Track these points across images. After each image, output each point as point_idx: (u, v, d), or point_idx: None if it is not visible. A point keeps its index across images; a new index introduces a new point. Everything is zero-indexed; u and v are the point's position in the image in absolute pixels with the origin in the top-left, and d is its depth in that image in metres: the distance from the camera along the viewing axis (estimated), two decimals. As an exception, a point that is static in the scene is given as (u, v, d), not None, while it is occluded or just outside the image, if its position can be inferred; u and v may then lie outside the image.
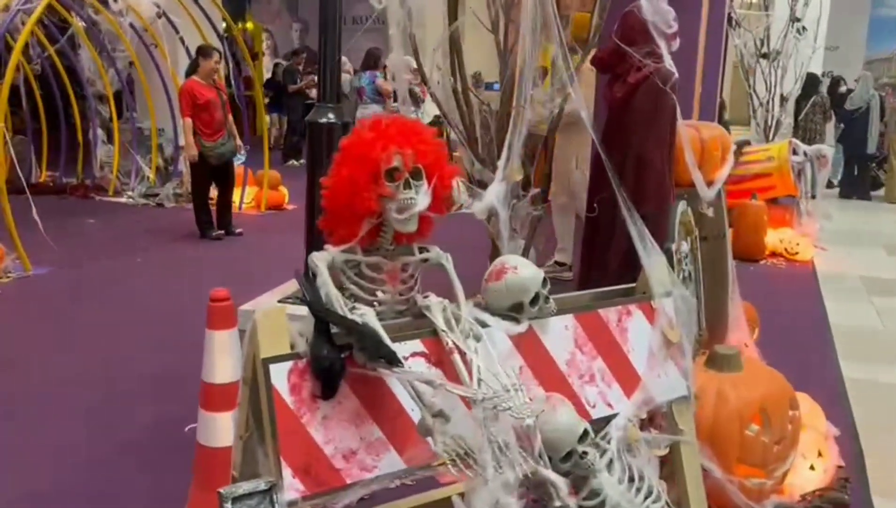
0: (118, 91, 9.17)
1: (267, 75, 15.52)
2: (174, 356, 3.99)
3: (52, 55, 8.69)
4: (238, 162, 7.41)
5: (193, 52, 8.22)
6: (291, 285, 2.99)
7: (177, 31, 8.26)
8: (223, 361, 2.27)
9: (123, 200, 8.67)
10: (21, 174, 6.80)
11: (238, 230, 7.16)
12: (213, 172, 6.94)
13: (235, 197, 8.48)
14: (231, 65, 9.04)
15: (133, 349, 4.17)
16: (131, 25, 8.27)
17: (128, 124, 9.18)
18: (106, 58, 8.87)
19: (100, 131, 9.17)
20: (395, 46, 2.93)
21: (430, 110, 8.88)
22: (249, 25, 17.13)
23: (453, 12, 2.71)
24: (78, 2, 8.05)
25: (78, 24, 8.46)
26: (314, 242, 2.68)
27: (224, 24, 9.16)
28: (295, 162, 11.99)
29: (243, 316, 2.48)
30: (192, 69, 6.96)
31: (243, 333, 1.94)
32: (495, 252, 2.58)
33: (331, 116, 2.69)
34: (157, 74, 8.66)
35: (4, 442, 3.13)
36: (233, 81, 8.74)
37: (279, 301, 2.72)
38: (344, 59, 12.51)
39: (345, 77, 11.76)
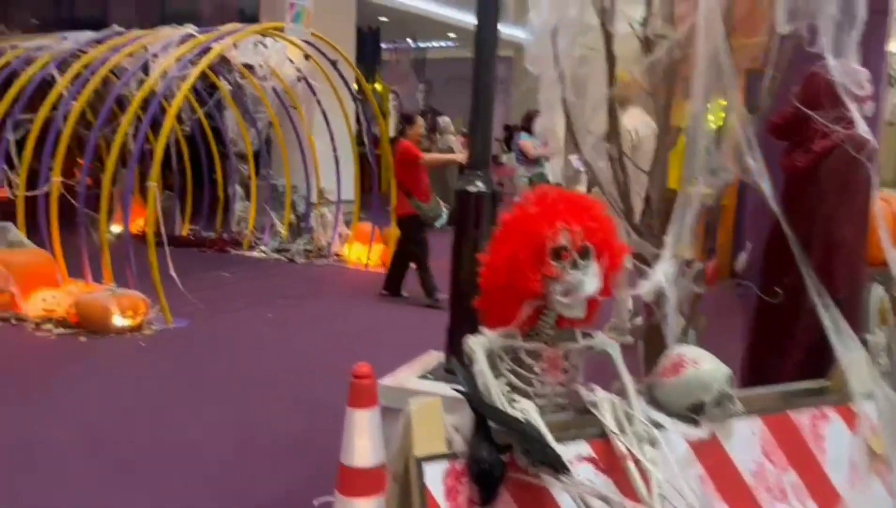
0: (257, 150, 9.61)
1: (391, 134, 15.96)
2: (306, 421, 3.95)
3: (200, 117, 9.24)
4: (439, 224, 6.92)
5: (329, 113, 8.55)
6: (431, 359, 2.85)
7: (314, 94, 8.59)
8: (363, 442, 2.14)
9: (256, 254, 8.97)
10: (165, 229, 7.14)
11: (441, 295, 6.36)
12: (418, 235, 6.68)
13: (361, 255, 8.64)
14: (362, 124, 9.31)
15: (264, 409, 4.16)
16: (273, 88, 8.67)
17: (264, 182, 9.58)
18: (248, 119, 9.34)
19: (238, 188, 9.61)
20: (544, 109, 2.81)
21: (555, 169, 8.67)
22: (378, 86, 17.77)
23: (611, 75, 2.55)
24: (226, 67, 8.54)
25: (224, 87, 8.98)
26: (459, 317, 2.55)
27: (356, 86, 9.47)
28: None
29: (384, 393, 2.36)
30: (400, 134, 7.10)
31: (386, 411, 1.78)
32: (654, 336, 2.34)
33: (480, 183, 2.57)
34: (294, 135, 9.03)
35: (124, 496, 3.12)
36: (365, 140, 8.97)
37: (420, 377, 2.58)
38: (447, 119, 12.63)
39: (451, 138, 11.81)
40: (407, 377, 2.59)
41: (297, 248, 8.85)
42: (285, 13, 9.59)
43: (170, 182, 9.53)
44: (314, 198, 9.20)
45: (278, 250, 8.92)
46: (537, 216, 1.70)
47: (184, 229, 9.78)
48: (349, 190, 8.93)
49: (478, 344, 1.70)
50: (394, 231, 8.51)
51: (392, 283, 6.98)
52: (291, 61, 7.80)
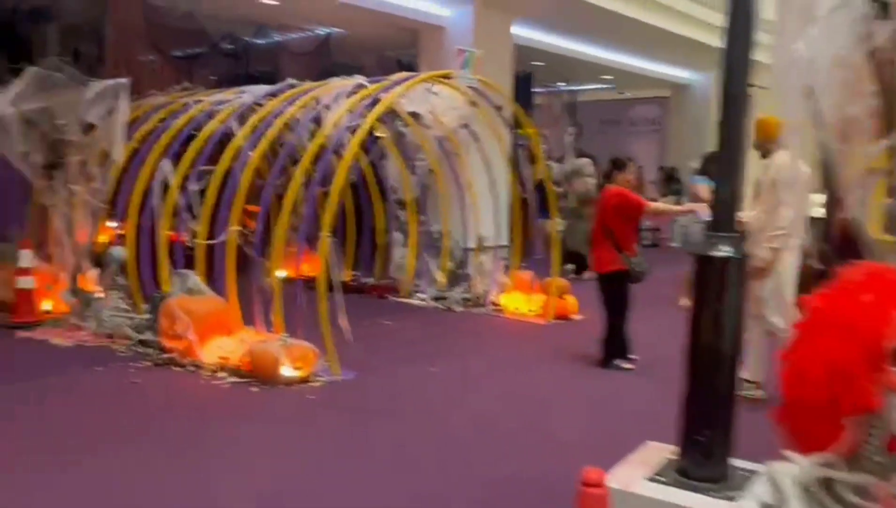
0: (416, 197, 9.61)
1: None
2: (490, 498, 3.63)
3: (364, 166, 9.38)
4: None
5: (489, 158, 8.39)
6: (653, 453, 2.43)
7: (476, 140, 8.46)
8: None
9: (415, 301, 8.88)
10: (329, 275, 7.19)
11: (632, 358, 6.09)
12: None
13: (520, 304, 8.32)
14: (519, 169, 9.08)
15: (441, 481, 3.88)
16: (434, 135, 8.65)
17: (422, 228, 9.54)
18: (408, 166, 9.38)
19: (397, 235, 9.63)
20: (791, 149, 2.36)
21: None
22: (530, 130, 17.62)
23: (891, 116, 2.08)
24: (390, 115, 8.62)
25: (387, 135, 9.06)
26: (696, 407, 2.12)
27: (515, 131, 9.31)
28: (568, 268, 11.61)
29: (612, 497, 1.98)
30: (607, 179, 6.54)
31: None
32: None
33: (727, 247, 2.16)
34: (451, 181, 8.96)
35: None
36: (525, 184, 8.73)
37: (650, 479, 2.18)
38: (587, 160, 12.09)
39: (590, 181, 11.24)
40: (634, 477, 2.20)
41: (455, 296, 8.68)
42: (452, 60, 9.66)
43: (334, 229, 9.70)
44: (472, 244, 9.04)
45: (436, 299, 8.78)
46: (870, 306, 1.28)
47: (346, 275, 9.89)
48: (506, 236, 8.73)
49: (788, 476, 1.30)
50: (556, 282, 8.15)
51: (613, 349, 6.12)
52: (456, 108, 7.72)
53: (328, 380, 5.54)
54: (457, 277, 9.10)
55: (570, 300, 8.23)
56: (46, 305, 7.41)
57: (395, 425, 4.72)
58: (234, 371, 5.60)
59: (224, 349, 5.88)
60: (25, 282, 7.13)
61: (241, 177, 6.43)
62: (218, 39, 12.78)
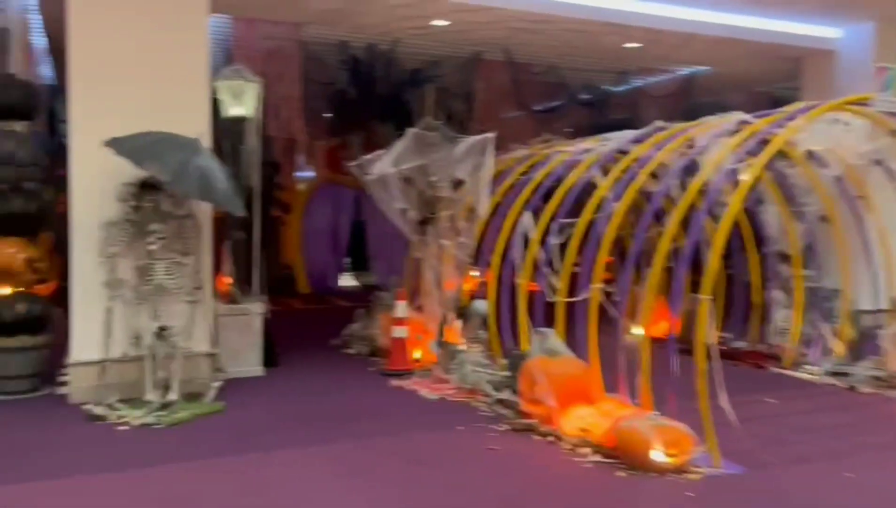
0: (803, 248, 8.16)
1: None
2: None
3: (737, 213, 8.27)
4: None
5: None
6: None
7: (894, 178, 6.85)
8: None
9: (802, 375, 7.44)
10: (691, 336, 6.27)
11: None
12: None
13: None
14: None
15: None
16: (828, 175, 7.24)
17: (811, 285, 8.03)
18: (793, 212, 8.02)
19: (778, 293, 8.26)
20: None
21: None
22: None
23: None
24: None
25: (768, 178, 7.86)
26: None
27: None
28: None
29: None
30: None
31: None
32: None
33: None
34: (853, 229, 7.40)
35: None
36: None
37: None
38: None
39: None
40: None
41: (860, 373, 7.03)
42: (850, 85, 8.14)
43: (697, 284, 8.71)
44: (884, 306, 7.31)
45: (833, 373, 7.22)
46: None
47: (713, 337, 8.77)
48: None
49: None
50: None
51: None
52: (871, 140, 6.31)
53: (708, 473, 4.63)
54: (860, 347, 7.42)
55: None
56: (417, 354, 7.73)
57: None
58: (598, 448, 5.01)
59: (585, 420, 5.33)
60: (400, 331, 7.50)
61: (605, 230, 5.93)
62: (576, 90, 12.75)
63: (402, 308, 7.58)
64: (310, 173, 15.32)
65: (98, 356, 5.91)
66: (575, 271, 6.24)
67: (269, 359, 7.72)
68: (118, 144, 5.63)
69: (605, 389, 5.69)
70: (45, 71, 10.33)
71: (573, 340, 6.01)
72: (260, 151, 7.61)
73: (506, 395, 6.16)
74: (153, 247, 5.78)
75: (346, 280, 16.72)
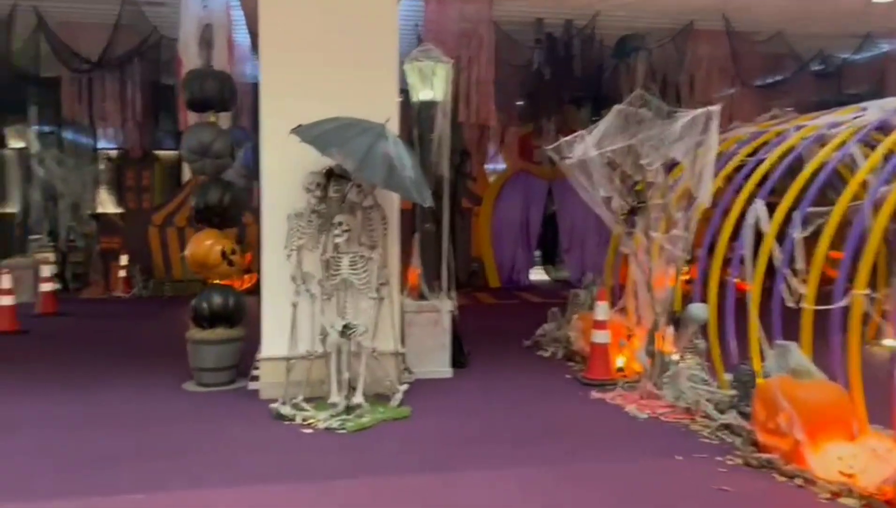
0: None
1: None
2: None
3: None
4: None
5: None
6: None
7: None
8: None
9: None
10: None
11: None
12: None
13: None
14: None
15: None
16: None
17: None
18: None
19: None
20: None
21: None
22: None
23: None
24: None
25: None
26: None
27: None
28: None
29: None
30: None
31: None
32: None
33: None
34: None
35: None
36: None
37: None
38: None
39: None
40: None
41: None
42: None
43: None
44: None
45: None
46: None
47: None
48: None
49: None
50: None
51: None
52: None
53: None
54: None
55: None
56: (619, 361, 6.86)
57: None
58: (868, 501, 3.89)
59: (846, 460, 4.21)
60: (601, 336, 6.67)
61: (871, 222, 4.71)
62: (807, 60, 11.04)
63: (603, 310, 6.74)
64: (499, 163, 14.80)
65: (286, 352, 5.70)
66: (824, 271, 5.06)
67: (458, 359, 7.23)
68: (304, 131, 5.34)
69: (869, 420, 4.51)
70: (250, 68, 10.65)
71: (820, 356, 4.86)
72: (450, 138, 7.10)
73: (732, 418, 5.15)
74: (339, 239, 5.44)
75: (537, 275, 16.05)
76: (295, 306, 5.55)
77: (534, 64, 10.23)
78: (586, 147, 5.74)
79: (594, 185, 5.84)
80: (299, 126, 5.39)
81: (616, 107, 6.09)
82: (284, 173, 5.94)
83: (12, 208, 13.80)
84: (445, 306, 6.92)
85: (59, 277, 13.87)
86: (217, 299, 6.51)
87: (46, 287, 10.93)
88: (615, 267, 7.64)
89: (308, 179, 5.53)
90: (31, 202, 13.46)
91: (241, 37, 10.11)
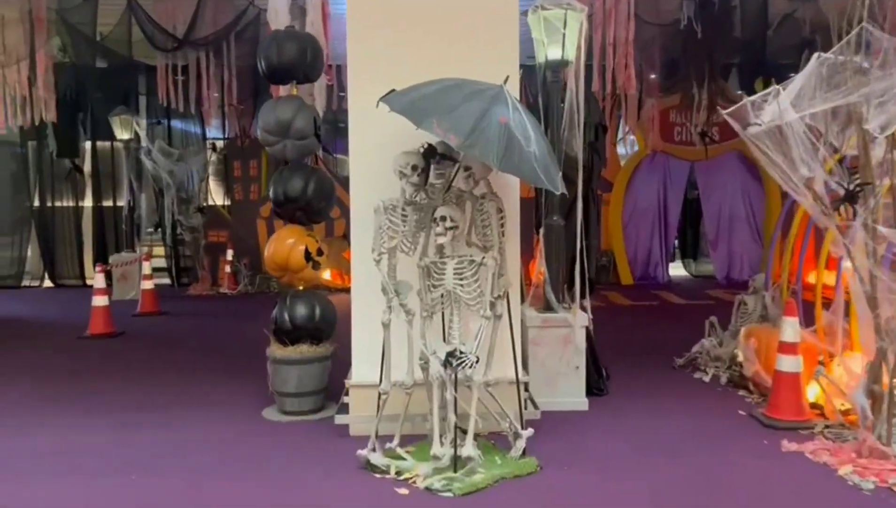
0: None
1: None
2: None
3: None
4: None
5: None
6: None
7: None
8: None
9: None
10: None
11: None
12: None
13: None
14: None
15: None
16: None
17: None
18: None
19: None
20: None
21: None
22: None
23: None
24: None
25: None
26: None
27: None
28: None
29: None
30: None
31: None
32: None
33: None
34: None
35: None
36: None
37: None
38: None
39: None
40: None
41: None
42: None
43: None
44: None
45: None
46: None
47: None
48: None
49: None
50: None
51: None
52: None
53: None
54: None
55: None
56: (811, 392, 5.20)
57: None
58: None
59: None
60: (790, 363, 5.03)
61: None
62: None
63: (793, 328, 5.08)
64: (631, 141, 13.06)
65: (377, 380, 4.48)
66: None
67: (594, 385, 5.79)
68: (395, 98, 4.05)
69: None
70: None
71: None
72: (585, 108, 5.64)
73: None
74: (442, 239, 4.12)
75: (676, 270, 14.21)
76: (386, 326, 4.29)
77: (682, 20, 8.45)
78: (783, 107, 4.11)
79: (792, 161, 4.20)
80: (391, 91, 4.12)
81: (818, 56, 4.40)
82: (371, 156, 4.73)
83: (121, 201, 13.53)
84: (579, 319, 5.48)
85: (167, 271, 13.52)
86: (301, 310, 5.39)
87: (147, 285, 10.37)
88: (803, 271, 5.90)
89: (401, 161, 4.23)
90: (140, 195, 13.12)
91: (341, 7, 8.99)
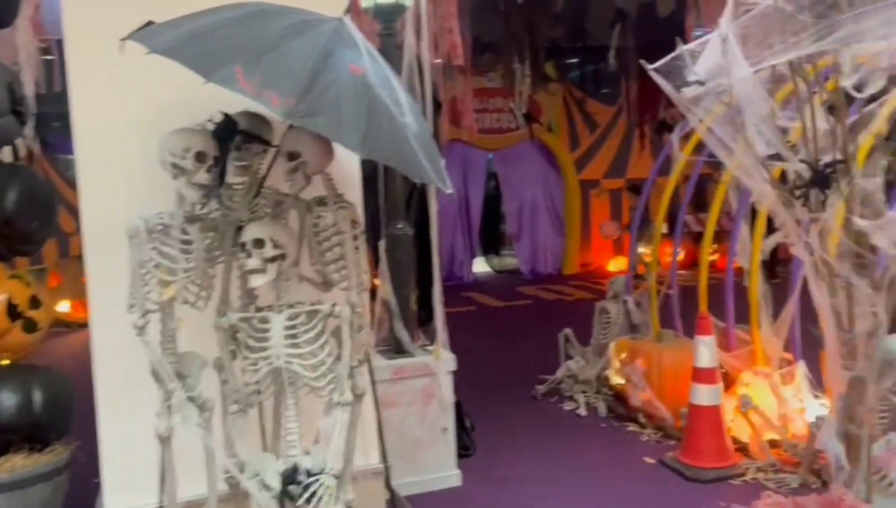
0: None
1: None
2: None
3: None
4: None
5: None
6: None
7: None
8: None
9: None
10: None
11: None
12: None
13: None
14: None
15: None
16: None
17: None
18: None
19: None
20: None
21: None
22: None
23: None
24: None
25: None
26: None
27: None
28: None
29: None
30: None
31: None
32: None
33: None
34: None
35: None
36: None
37: None
38: None
39: None
40: None
41: None
42: None
43: None
44: None
45: None
46: None
47: None
48: None
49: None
50: None
51: None
52: None
53: None
54: None
55: None
56: (734, 429, 4.20)
57: None
58: None
59: None
60: (708, 395, 3.96)
61: None
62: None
63: (708, 350, 4.03)
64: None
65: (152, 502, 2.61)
66: None
67: (461, 443, 4.34)
68: (159, 34, 2.22)
69: None
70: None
71: None
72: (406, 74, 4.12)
73: None
74: (260, 279, 2.35)
75: (479, 266, 13.32)
76: (165, 440, 2.42)
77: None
78: (737, 63, 2.91)
79: (747, 136, 3.03)
80: (149, 24, 2.28)
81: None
82: (121, 142, 2.81)
83: None
84: (443, 363, 3.98)
85: None
86: (7, 399, 3.28)
87: None
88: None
89: (174, 147, 2.36)
90: None
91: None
